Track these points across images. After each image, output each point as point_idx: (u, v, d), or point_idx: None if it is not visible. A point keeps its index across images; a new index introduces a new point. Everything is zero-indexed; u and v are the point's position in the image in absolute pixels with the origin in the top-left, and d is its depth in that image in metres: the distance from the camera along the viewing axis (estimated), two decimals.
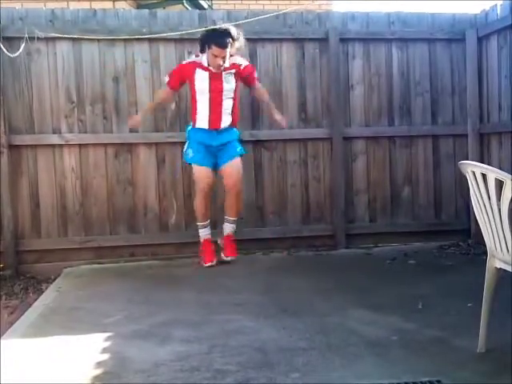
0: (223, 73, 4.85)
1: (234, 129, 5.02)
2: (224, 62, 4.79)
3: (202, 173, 4.90)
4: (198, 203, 4.99)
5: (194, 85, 4.89)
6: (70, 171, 5.28)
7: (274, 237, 5.52)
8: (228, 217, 5.07)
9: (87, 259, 5.26)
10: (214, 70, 4.82)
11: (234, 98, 4.93)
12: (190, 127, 5.00)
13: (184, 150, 5.02)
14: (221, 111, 4.87)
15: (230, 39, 4.76)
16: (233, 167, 4.94)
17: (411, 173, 5.80)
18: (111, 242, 5.34)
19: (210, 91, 4.84)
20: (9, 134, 5.09)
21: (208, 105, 4.85)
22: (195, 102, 4.92)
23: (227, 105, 4.89)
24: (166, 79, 4.99)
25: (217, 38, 4.73)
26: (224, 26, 4.82)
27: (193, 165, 4.96)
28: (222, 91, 4.85)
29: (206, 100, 4.86)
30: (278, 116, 5.12)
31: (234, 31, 4.80)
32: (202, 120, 4.89)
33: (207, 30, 4.85)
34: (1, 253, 5.08)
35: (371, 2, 7.74)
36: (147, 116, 5.21)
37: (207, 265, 4.96)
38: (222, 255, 5.05)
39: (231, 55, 4.86)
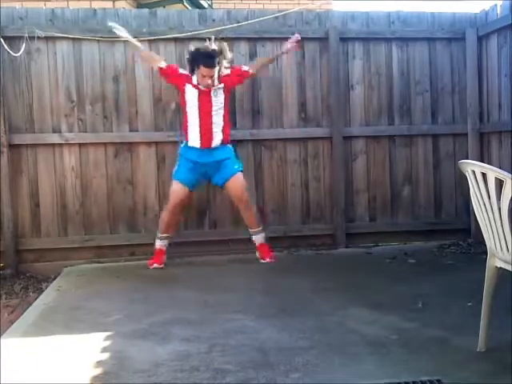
0: (212, 89, 4.86)
1: (228, 146, 5.02)
2: (213, 81, 4.81)
3: (176, 190, 4.93)
4: (164, 217, 5.03)
5: (184, 98, 4.92)
6: (70, 170, 5.28)
7: (274, 236, 5.51)
8: (252, 229, 5.14)
9: (87, 258, 5.26)
10: (203, 89, 4.84)
11: (223, 113, 4.94)
12: (183, 144, 5.00)
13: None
14: (211, 128, 4.88)
15: (218, 59, 4.76)
16: (236, 182, 4.99)
17: (411, 172, 5.80)
18: (111, 242, 5.34)
19: (199, 110, 4.86)
20: (9, 133, 5.09)
21: (198, 122, 4.87)
22: (186, 116, 4.93)
23: (218, 121, 4.90)
24: (163, 64, 4.97)
25: (204, 59, 4.73)
26: (211, 45, 4.77)
27: (173, 180, 4.98)
28: (211, 107, 4.86)
29: (196, 117, 4.87)
30: (283, 49, 5.17)
31: (221, 49, 4.78)
32: (194, 139, 4.90)
33: (195, 49, 4.82)
34: (1, 252, 5.08)
35: (371, 2, 7.72)
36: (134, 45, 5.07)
37: (152, 267, 4.99)
38: (261, 260, 5.12)
39: (220, 73, 4.87)
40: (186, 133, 4.94)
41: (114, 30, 4.93)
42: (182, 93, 4.93)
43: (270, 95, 5.54)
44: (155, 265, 5.00)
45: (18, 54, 5.00)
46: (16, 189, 5.17)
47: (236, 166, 5.02)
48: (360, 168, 5.72)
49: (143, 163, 5.40)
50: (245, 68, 5.10)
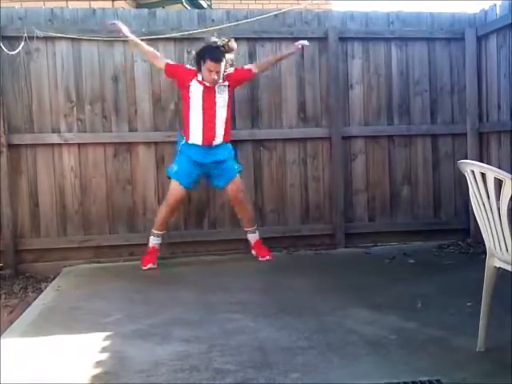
0: (216, 86, 4.85)
1: (228, 145, 5.03)
2: (218, 76, 4.81)
3: (176, 190, 4.93)
4: (161, 214, 5.02)
5: (188, 95, 4.89)
6: (69, 170, 5.28)
7: (274, 236, 5.52)
8: (246, 228, 5.20)
9: (86, 258, 5.26)
10: (208, 85, 4.83)
11: (227, 111, 4.93)
12: (183, 141, 4.98)
13: (172, 164, 5.03)
14: (214, 126, 4.87)
15: (224, 53, 4.76)
16: (235, 185, 5.02)
17: (410, 172, 5.80)
18: (110, 241, 5.34)
19: (203, 105, 4.84)
20: (8, 133, 5.09)
21: (201, 120, 4.85)
22: (188, 115, 4.90)
23: (220, 118, 4.89)
24: (169, 61, 4.99)
25: (211, 53, 4.72)
26: (217, 40, 4.77)
27: (172, 180, 4.96)
28: (215, 104, 4.86)
29: (199, 114, 4.85)
30: (288, 51, 5.25)
31: (227, 45, 4.77)
32: (196, 136, 4.88)
33: (202, 46, 4.81)
34: (0, 252, 5.08)
35: (371, 2, 7.72)
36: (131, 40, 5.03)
37: (146, 267, 4.96)
38: (259, 258, 5.17)
39: (225, 70, 4.87)
40: (187, 130, 4.91)
41: (116, 24, 4.91)
42: (186, 89, 4.88)
43: (269, 95, 5.54)
44: (150, 265, 4.98)
45: (16, 52, 4.99)
46: (15, 189, 5.16)
47: (236, 167, 5.05)
48: (359, 168, 5.72)
49: (142, 163, 5.40)
50: (248, 67, 5.09)
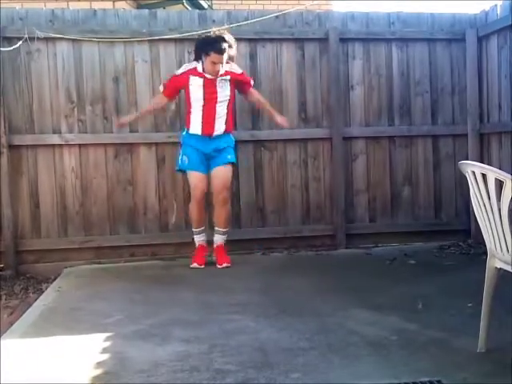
0: (218, 79, 4.85)
1: (229, 135, 5.01)
2: (221, 67, 4.82)
3: (196, 178, 4.90)
4: (192, 210, 5.00)
5: (188, 92, 4.90)
6: (70, 171, 5.28)
7: (274, 237, 5.52)
8: (217, 227, 5.03)
9: (87, 259, 5.26)
10: (209, 77, 4.82)
11: (228, 105, 4.92)
12: (184, 132, 5.00)
13: (178, 157, 5.00)
14: (214, 118, 4.86)
15: (226, 44, 4.76)
16: (221, 173, 4.92)
17: (411, 173, 5.80)
18: (111, 242, 5.34)
19: (204, 98, 4.84)
20: (9, 134, 5.09)
21: (201, 111, 4.86)
22: (190, 107, 4.92)
23: (221, 111, 4.88)
24: (161, 89, 5.02)
25: (215, 45, 4.72)
26: (218, 32, 4.80)
27: (188, 171, 4.95)
28: (216, 98, 4.85)
29: (199, 106, 4.86)
30: (279, 118, 5.15)
31: (228, 36, 4.80)
32: (196, 126, 4.89)
33: (202, 38, 4.83)
34: (1, 253, 5.08)
35: (371, 2, 7.74)
36: (141, 117, 5.23)
37: (192, 266, 4.94)
38: (217, 265, 4.97)
39: (227, 62, 4.87)
40: (189, 121, 4.92)
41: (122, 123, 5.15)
42: (187, 90, 4.90)
43: (270, 96, 5.53)
44: (195, 264, 4.94)
45: (11, 49, 4.97)
46: (16, 189, 5.16)
47: (229, 157, 4.97)
48: (360, 169, 5.72)
49: (143, 164, 5.39)
50: (251, 82, 5.10)
